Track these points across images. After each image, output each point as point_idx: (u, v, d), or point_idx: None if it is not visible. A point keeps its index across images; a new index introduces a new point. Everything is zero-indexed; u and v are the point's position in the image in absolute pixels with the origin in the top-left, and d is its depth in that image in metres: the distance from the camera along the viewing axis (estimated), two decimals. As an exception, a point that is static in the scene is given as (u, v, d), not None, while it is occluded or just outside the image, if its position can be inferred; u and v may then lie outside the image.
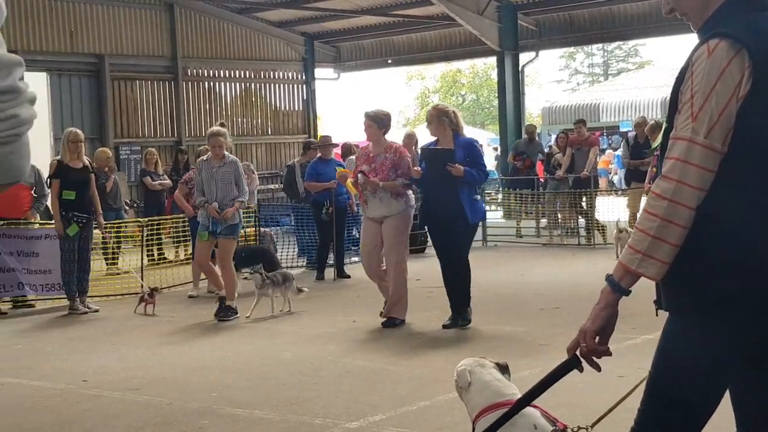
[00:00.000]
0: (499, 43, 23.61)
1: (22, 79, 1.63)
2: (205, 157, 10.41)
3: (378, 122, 9.38)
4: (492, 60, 25.53)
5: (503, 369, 3.57)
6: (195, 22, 24.14)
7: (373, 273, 9.43)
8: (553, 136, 19.47)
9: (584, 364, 2.78)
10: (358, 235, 16.88)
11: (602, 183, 27.37)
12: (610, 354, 2.72)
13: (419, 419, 5.89)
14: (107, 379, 7.40)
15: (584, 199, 16.19)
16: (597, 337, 2.68)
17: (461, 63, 49.41)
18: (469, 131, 41.69)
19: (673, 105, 2.66)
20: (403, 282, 9.21)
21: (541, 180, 18.42)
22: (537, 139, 19.99)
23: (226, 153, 10.24)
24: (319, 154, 13.71)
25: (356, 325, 9.24)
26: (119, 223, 14.00)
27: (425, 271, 13.73)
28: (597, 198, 16.62)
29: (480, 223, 17.53)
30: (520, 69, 24.23)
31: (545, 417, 3.34)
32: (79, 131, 11.34)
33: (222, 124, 10.78)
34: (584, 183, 16.24)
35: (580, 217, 16.55)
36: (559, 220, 17.29)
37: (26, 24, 20.84)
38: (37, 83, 21.08)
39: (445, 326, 8.86)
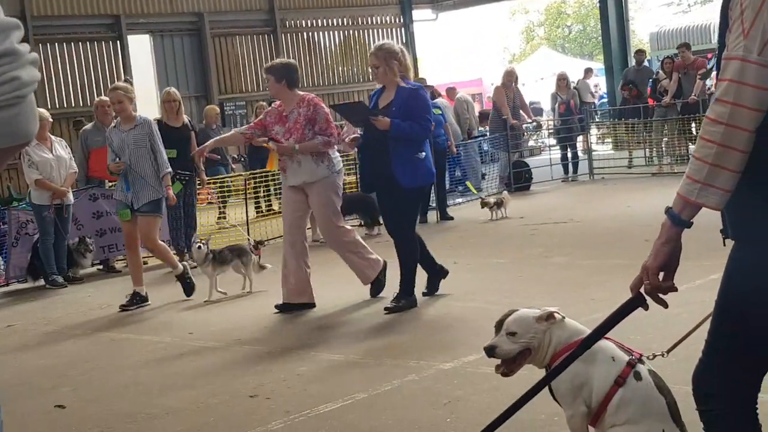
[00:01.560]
0: (598, -31, 22.89)
1: (21, 42, 1.64)
2: (114, 123, 9.08)
3: (274, 74, 7.93)
4: (595, -13, 24.78)
5: None
6: (290, -28, 24.22)
7: (295, 246, 8.14)
8: (661, 62, 18.82)
9: (650, 301, 2.67)
10: (460, 176, 16.78)
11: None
12: (675, 290, 2.61)
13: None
14: (211, 331, 7.60)
15: (693, 124, 15.65)
16: (661, 274, 2.56)
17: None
18: (577, 62, 40.19)
19: (724, 23, 2.46)
20: (355, 249, 8.16)
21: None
22: (647, 65, 19.38)
23: (136, 114, 8.91)
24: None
25: (457, 266, 9.16)
26: (224, 177, 14.26)
27: (530, 207, 13.59)
28: (708, 122, 16.01)
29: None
30: (623, -6, 23.47)
31: (620, 348, 3.38)
32: (173, 90, 11.51)
33: (126, 80, 9.08)
34: (693, 108, 15.69)
35: (690, 143, 16.02)
36: (663, 148, 16.78)
37: (126, -12, 21.30)
38: (140, 46, 21.61)
39: (386, 309, 7.57)
